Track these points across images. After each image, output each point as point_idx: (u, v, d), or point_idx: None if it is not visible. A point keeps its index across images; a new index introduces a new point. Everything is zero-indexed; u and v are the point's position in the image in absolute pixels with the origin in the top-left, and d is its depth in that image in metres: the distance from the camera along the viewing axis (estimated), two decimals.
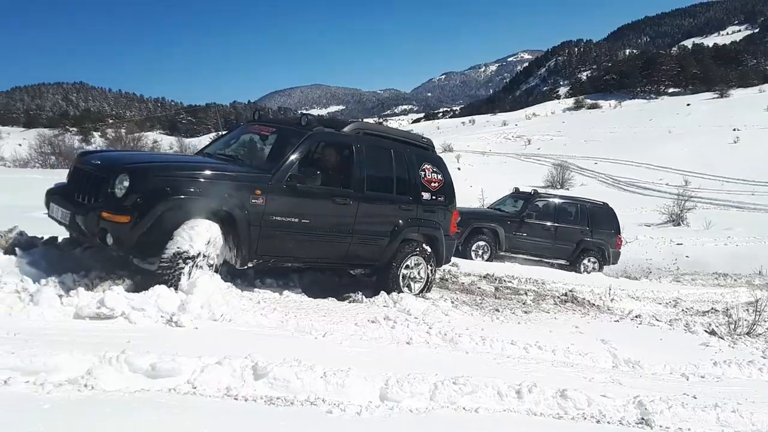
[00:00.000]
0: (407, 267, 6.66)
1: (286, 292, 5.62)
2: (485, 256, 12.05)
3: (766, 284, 12.15)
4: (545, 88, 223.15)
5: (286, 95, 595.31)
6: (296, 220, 5.47)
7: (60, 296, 4.19)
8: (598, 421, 3.65)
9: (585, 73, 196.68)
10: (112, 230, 4.55)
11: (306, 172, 5.47)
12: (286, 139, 5.89)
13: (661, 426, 3.68)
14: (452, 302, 6.55)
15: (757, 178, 32.20)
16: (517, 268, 10.60)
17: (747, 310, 8.28)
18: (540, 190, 15.29)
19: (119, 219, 4.53)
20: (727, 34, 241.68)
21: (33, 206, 11.04)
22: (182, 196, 4.73)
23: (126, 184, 4.61)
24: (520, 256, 12.42)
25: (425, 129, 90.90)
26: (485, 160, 43.98)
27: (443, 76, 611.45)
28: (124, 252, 4.80)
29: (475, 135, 65.62)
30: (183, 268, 4.66)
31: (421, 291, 6.82)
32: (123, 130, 60.55)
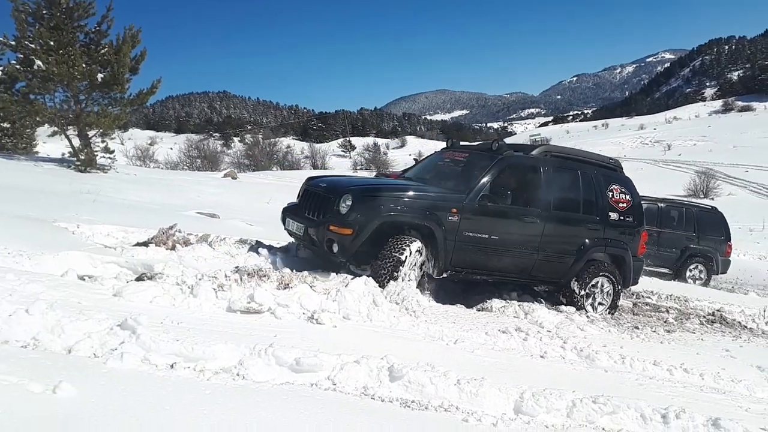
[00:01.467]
0: (592, 286, 6.77)
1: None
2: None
3: None
4: (688, 90, 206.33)
5: (412, 101, 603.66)
6: (486, 236, 5.95)
7: (215, 290, 4.59)
8: None
9: (736, 73, 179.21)
10: (338, 240, 5.42)
11: (497, 192, 5.92)
12: (479, 163, 6.34)
13: None
14: (588, 317, 6.28)
15: None
16: (655, 283, 9.91)
17: None
18: (669, 198, 14.21)
19: (344, 231, 5.38)
20: None
21: (184, 205, 12.22)
22: (392, 213, 5.51)
23: (349, 203, 5.46)
24: None
25: (553, 133, 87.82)
26: None
27: (574, 78, 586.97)
28: (346, 259, 5.61)
29: (608, 139, 62.34)
30: (392, 273, 5.38)
31: (609, 309, 6.92)
32: (260, 136, 64.87)
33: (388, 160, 52.61)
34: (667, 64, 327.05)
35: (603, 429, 3.34)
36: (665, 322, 6.87)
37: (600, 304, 6.86)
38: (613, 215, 6.88)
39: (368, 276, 5.46)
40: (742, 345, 6.11)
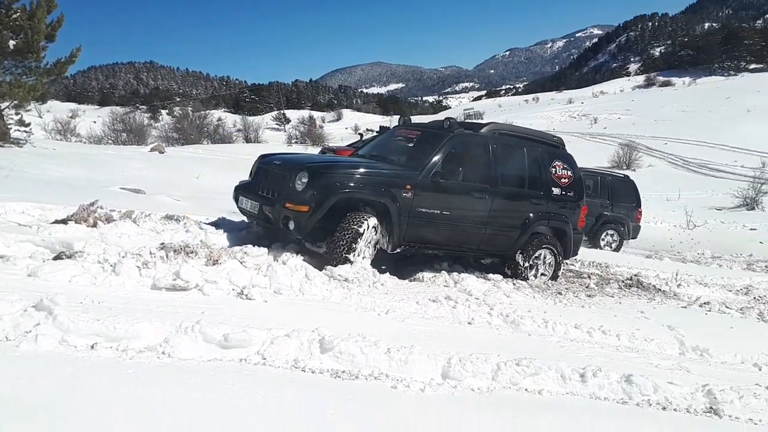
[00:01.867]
0: (536, 258, 7.12)
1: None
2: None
3: None
4: (614, 65, 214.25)
5: (347, 73, 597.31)
6: (438, 212, 6.15)
7: (139, 267, 4.44)
8: (664, 408, 3.57)
9: (658, 49, 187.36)
10: (294, 217, 5.42)
11: (448, 169, 6.11)
12: (431, 141, 6.49)
13: (730, 416, 3.57)
14: (514, 284, 6.51)
15: None
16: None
17: None
18: (584, 167, 14.87)
19: (300, 208, 5.39)
20: None
21: (108, 181, 11.68)
22: (348, 190, 5.56)
23: (305, 180, 5.47)
24: None
25: (486, 107, 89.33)
26: None
27: (507, 53, 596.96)
28: (302, 236, 5.63)
29: (538, 113, 64.06)
30: (348, 249, 5.47)
31: (549, 280, 7.26)
32: (189, 108, 62.62)
33: (323, 133, 52.05)
34: (595, 40, 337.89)
35: (526, 390, 3.50)
36: (587, 287, 7.23)
37: (542, 274, 7.22)
38: (556, 190, 7.21)
39: (324, 252, 5.61)
40: (656, 306, 6.52)
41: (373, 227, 5.66)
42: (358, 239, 5.53)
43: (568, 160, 7.50)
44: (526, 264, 7.01)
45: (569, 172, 7.39)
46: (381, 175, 5.88)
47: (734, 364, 4.77)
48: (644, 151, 36.23)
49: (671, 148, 38.51)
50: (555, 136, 7.97)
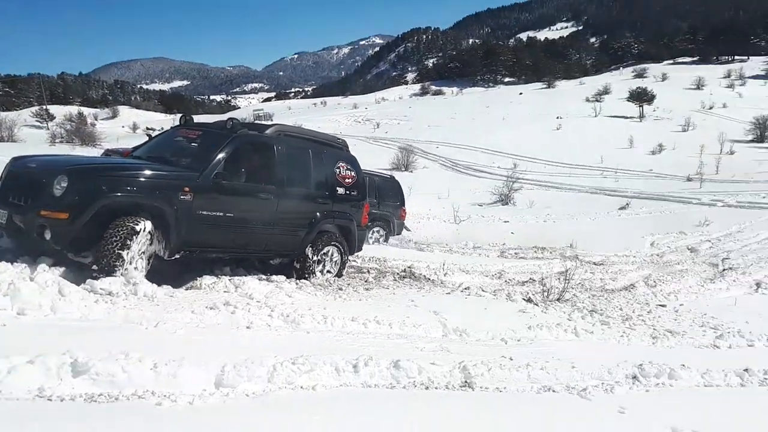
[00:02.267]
0: (324, 254, 7.35)
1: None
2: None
3: (575, 255, 13.78)
4: (394, 74, 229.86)
5: (125, 68, 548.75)
6: (221, 214, 5.99)
7: None
8: (427, 388, 3.93)
9: (431, 60, 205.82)
10: (51, 226, 4.89)
11: (231, 170, 5.97)
12: (213, 141, 6.31)
13: (481, 387, 4.07)
14: (297, 284, 6.60)
15: (573, 161, 36.13)
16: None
17: (558, 278, 9.37)
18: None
19: (58, 216, 4.87)
20: (557, 29, 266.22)
21: None
22: (116, 194, 5.15)
23: (65, 184, 4.93)
24: None
25: (276, 109, 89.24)
26: None
27: (296, 56, 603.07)
28: (62, 246, 5.07)
29: (327, 117, 65.80)
30: (117, 259, 5.03)
31: (336, 275, 7.54)
32: None
33: (96, 131, 46.94)
34: (377, 49, 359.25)
35: (301, 387, 3.57)
36: (366, 281, 7.66)
37: (328, 271, 7.47)
38: (341, 190, 7.51)
39: (90, 263, 5.13)
40: (425, 295, 7.15)
41: (146, 233, 5.29)
42: (129, 246, 5.10)
43: (352, 162, 7.86)
44: (315, 259, 7.18)
45: (353, 173, 7.76)
46: (155, 177, 5.52)
47: (486, 340, 5.45)
48: (420, 154, 39.44)
49: (442, 151, 42.52)
50: (339, 139, 8.29)
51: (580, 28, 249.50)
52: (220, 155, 6.01)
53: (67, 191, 4.94)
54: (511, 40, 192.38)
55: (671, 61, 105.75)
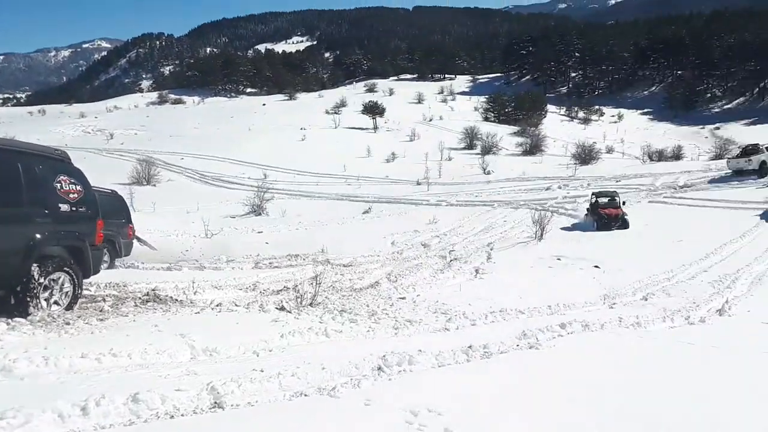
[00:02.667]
0: (53, 281, 6.31)
1: None
2: None
3: (326, 260, 14.38)
4: (127, 80, 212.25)
5: None
6: None
7: None
8: (172, 417, 3.65)
9: (168, 68, 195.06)
10: None
11: None
12: None
13: (232, 405, 3.93)
14: (8, 324, 5.58)
15: (320, 170, 37.74)
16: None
17: (311, 283, 9.65)
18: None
19: None
20: (294, 43, 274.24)
21: None
22: None
23: None
24: None
25: None
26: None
27: (2, 57, 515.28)
28: None
29: (48, 128, 57.74)
30: None
31: (69, 306, 6.55)
32: None
33: None
34: (105, 53, 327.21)
35: None
36: (100, 311, 6.82)
37: (56, 303, 6.39)
38: (64, 207, 6.58)
39: None
40: (170, 318, 6.67)
41: None
42: None
43: (76, 175, 7.00)
44: (36, 291, 6.06)
45: (78, 187, 6.90)
46: None
47: (237, 356, 5.30)
48: (163, 166, 37.08)
49: (188, 162, 40.63)
50: (57, 150, 7.28)
51: (315, 42, 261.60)
52: None
53: None
54: (250, 51, 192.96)
55: (396, 78, 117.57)
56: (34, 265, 6.07)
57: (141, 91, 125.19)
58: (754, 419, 4.49)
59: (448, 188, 29.72)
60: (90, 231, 7.12)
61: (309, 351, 5.57)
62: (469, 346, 6.37)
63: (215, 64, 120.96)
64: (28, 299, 6.00)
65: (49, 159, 6.84)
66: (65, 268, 6.49)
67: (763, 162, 24.42)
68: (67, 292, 6.58)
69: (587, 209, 19.99)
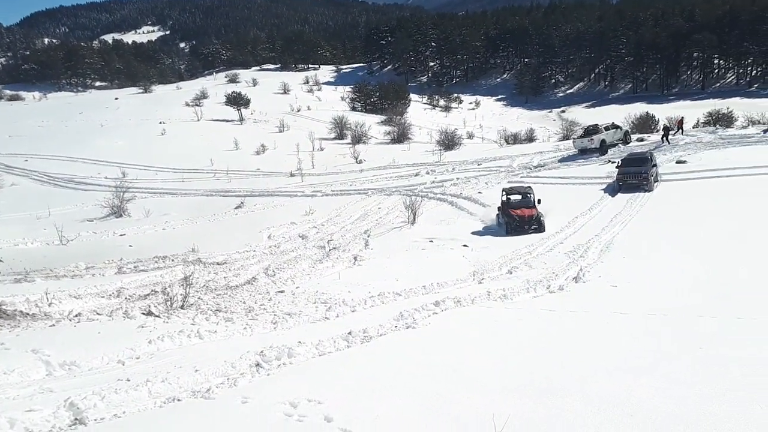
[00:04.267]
0: None
1: None
2: None
3: (198, 259, 13.73)
4: None
5: None
6: None
7: None
8: None
9: (0, 60, 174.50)
10: None
11: None
12: None
13: (96, 419, 3.62)
14: None
15: (184, 166, 35.81)
16: None
17: (182, 285, 9.17)
18: None
19: None
20: (143, 33, 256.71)
21: None
22: None
23: None
24: None
25: None
26: None
27: None
28: None
29: None
30: None
31: None
32: None
33: None
34: None
35: None
36: None
37: None
38: None
39: None
40: (19, 333, 6.02)
41: None
42: None
43: None
44: None
45: None
46: None
47: (101, 367, 4.90)
48: (4, 170, 33.34)
49: (33, 164, 36.75)
50: None
51: (168, 32, 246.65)
52: None
53: None
54: (95, 42, 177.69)
55: (258, 68, 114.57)
56: None
57: None
58: (599, 362, 4.97)
59: (322, 178, 29.65)
60: None
61: (180, 354, 5.29)
62: (349, 333, 6.43)
63: (56, 55, 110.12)
64: None
65: None
66: None
67: (603, 140, 27.09)
68: None
69: (498, 208, 17.16)
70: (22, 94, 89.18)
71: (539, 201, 16.47)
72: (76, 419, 3.57)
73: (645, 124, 38.50)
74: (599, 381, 4.54)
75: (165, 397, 4.03)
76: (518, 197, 17.26)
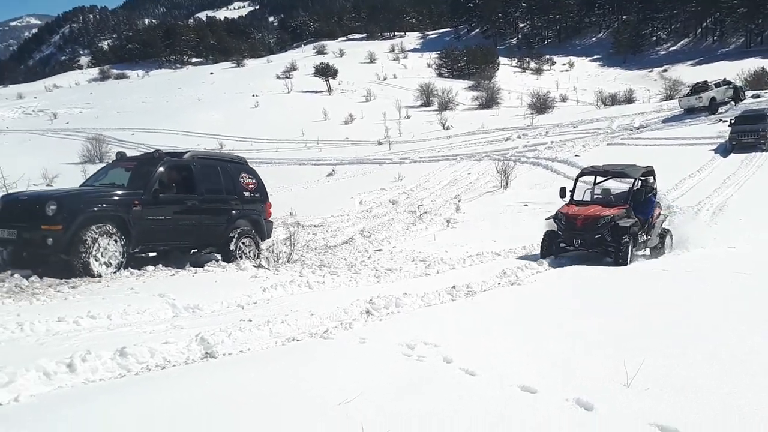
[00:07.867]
0: (242, 244, 8.77)
1: None
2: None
3: (296, 222, 14.17)
4: (64, 58, 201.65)
5: None
6: (162, 218, 7.71)
7: None
8: (164, 368, 3.50)
9: (106, 42, 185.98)
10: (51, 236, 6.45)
11: (164, 186, 7.82)
12: (147, 168, 7.93)
13: (224, 354, 3.80)
14: None
15: (278, 136, 36.99)
16: None
17: (285, 244, 9.54)
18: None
19: (55, 227, 6.47)
20: (234, 8, 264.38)
21: None
22: (93, 209, 6.93)
23: (54, 207, 6.54)
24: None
25: None
26: (2, 140, 37.24)
27: None
28: (59, 251, 6.52)
29: None
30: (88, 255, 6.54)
31: (256, 258, 8.77)
32: None
33: None
34: (35, 30, 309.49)
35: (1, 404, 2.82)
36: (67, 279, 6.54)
37: (247, 257, 8.66)
38: (247, 194, 9.19)
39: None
40: (145, 281, 6.46)
41: (110, 234, 6.80)
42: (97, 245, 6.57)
43: (252, 172, 9.61)
44: (235, 248, 8.46)
45: (253, 180, 9.44)
46: (114, 195, 7.39)
47: (222, 310, 5.16)
48: (114, 143, 35.73)
49: (140, 137, 39.23)
50: (239, 156, 10.66)
51: (257, 7, 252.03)
52: (155, 177, 7.68)
53: (56, 212, 6.50)
54: (191, 20, 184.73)
55: (344, 38, 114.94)
56: (232, 231, 8.58)
57: (80, 67, 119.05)
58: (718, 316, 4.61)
59: (410, 146, 29.58)
60: (263, 210, 9.52)
61: (294, 301, 5.47)
62: (453, 287, 6.38)
63: (156, 35, 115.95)
64: (231, 253, 8.38)
65: (235, 162, 9.65)
66: (249, 234, 8.94)
67: (713, 98, 25.07)
68: (252, 249, 8.92)
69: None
70: (128, 72, 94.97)
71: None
72: (206, 353, 3.76)
73: (760, 80, 35.29)
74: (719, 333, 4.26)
75: (285, 337, 4.17)
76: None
